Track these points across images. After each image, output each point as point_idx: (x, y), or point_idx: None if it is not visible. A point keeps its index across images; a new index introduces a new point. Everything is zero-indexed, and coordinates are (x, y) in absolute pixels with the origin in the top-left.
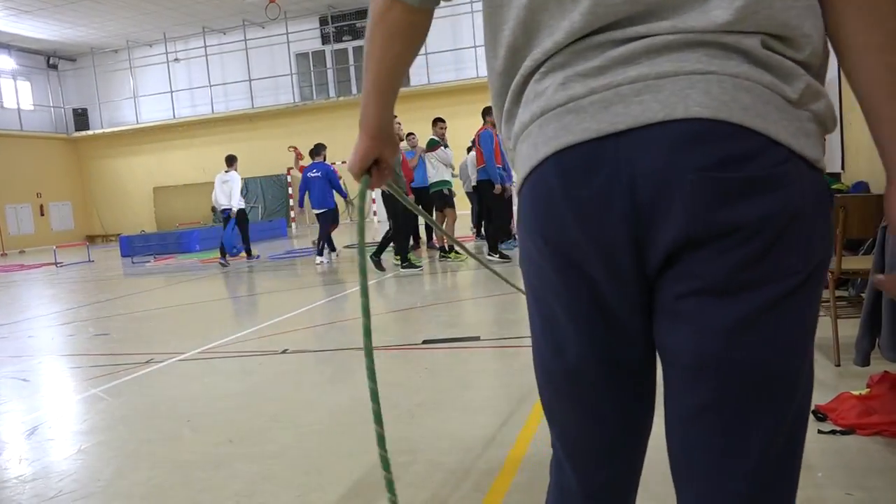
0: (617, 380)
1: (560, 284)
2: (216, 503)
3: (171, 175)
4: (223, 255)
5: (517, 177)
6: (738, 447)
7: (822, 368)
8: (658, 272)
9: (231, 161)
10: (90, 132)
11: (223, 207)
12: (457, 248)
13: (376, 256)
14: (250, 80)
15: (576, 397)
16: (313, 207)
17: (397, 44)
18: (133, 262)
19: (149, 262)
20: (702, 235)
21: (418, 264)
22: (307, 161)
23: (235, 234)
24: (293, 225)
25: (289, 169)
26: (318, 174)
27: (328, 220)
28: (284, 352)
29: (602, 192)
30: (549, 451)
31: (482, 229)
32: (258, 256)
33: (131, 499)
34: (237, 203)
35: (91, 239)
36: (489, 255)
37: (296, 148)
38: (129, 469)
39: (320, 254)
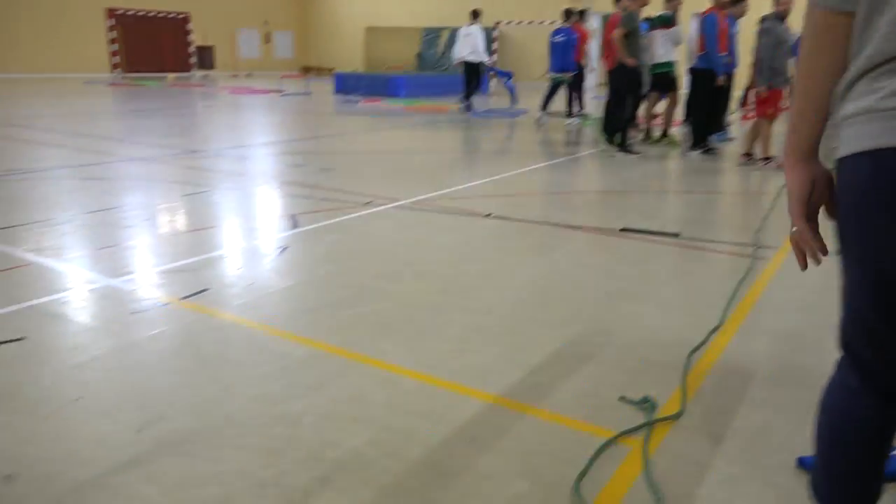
0: None
1: None
2: (436, 342)
3: (384, 16)
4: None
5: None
6: None
7: None
8: None
9: (475, 15)
10: None
11: (466, 60)
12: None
13: (613, 137)
14: None
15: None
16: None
17: (821, 53)
18: (344, 100)
19: (359, 101)
20: None
21: (636, 151)
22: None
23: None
24: (493, 81)
25: (496, 23)
26: (562, 38)
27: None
28: (488, 216)
29: None
30: (741, 361)
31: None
32: (471, 110)
33: (368, 325)
34: (480, 56)
35: (306, 70)
36: (690, 150)
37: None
38: (361, 300)
39: (569, 115)
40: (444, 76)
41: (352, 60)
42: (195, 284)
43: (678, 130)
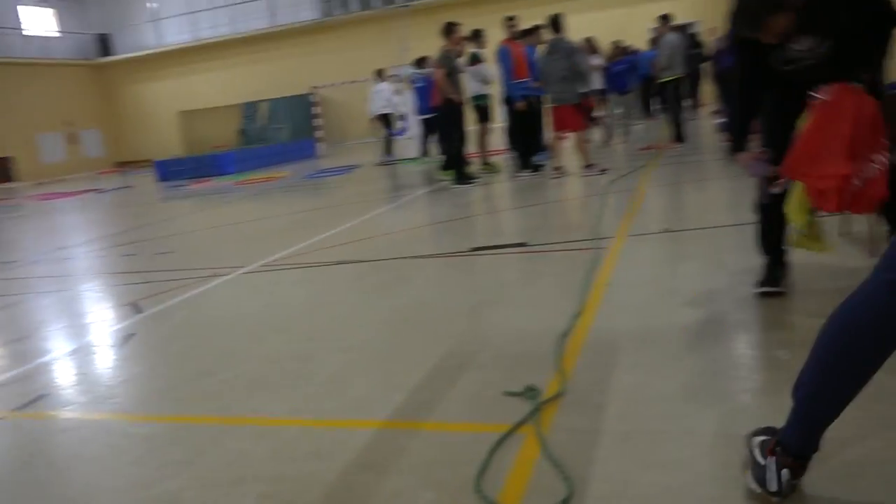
0: None
1: None
2: (311, 387)
3: (196, 99)
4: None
5: None
6: None
7: (854, 258)
8: None
9: (380, 73)
10: (114, 58)
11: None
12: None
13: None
14: None
15: None
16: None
17: None
18: (171, 186)
19: (186, 185)
20: None
21: (473, 179)
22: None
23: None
24: (320, 144)
25: (313, 87)
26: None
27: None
28: (341, 262)
29: None
30: (606, 337)
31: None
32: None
33: (235, 388)
34: (393, 108)
35: (121, 165)
36: (519, 171)
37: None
38: (223, 366)
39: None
40: (271, 147)
41: (168, 147)
42: (28, 393)
43: (502, 157)
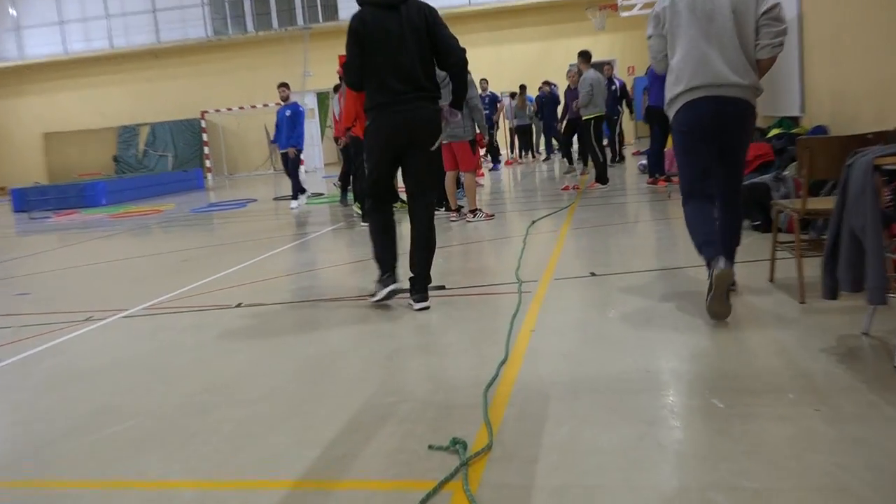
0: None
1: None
2: (209, 444)
3: (65, 120)
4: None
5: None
6: None
7: (787, 305)
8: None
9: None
10: None
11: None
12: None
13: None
14: (155, 11)
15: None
16: (283, 148)
17: None
18: (31, 218)
19: (49, 217)
20: None
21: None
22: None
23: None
24: (209, 176)
25: (203, 112)
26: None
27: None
28: (239, 305)
29: None
30: (535, 386)
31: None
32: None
33: (117, 448)
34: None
35: None
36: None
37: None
38: (103, 423)
39: (295, 197)
40: (152, 176)
41: (29, 173)
42: None
43: None
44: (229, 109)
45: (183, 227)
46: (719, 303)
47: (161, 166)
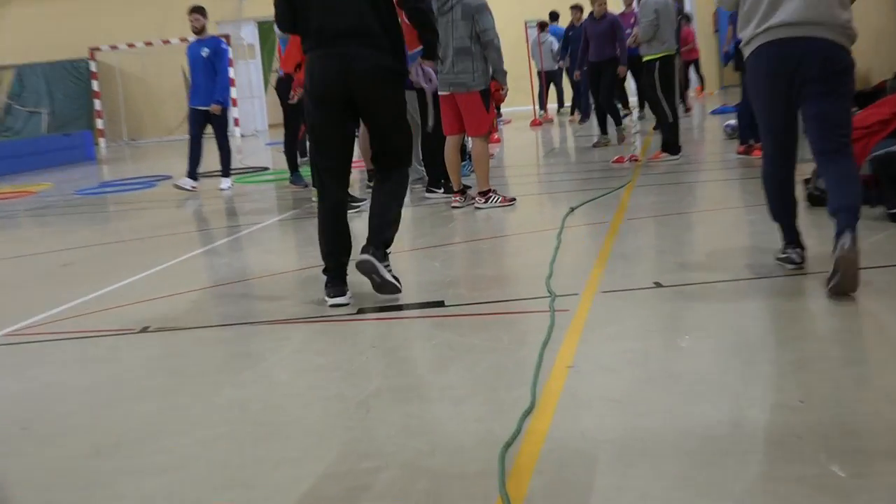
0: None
1: None
2: None
3: None
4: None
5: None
6: None
7: None
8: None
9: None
10: None
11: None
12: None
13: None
14: None
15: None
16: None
17: None
18: None
19: None
20: None
21: (357, 202)
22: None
23: None
24: (102, 142)
25: (92, 51)
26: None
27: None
28: (145, 330)
29: None
30: (573, 446)
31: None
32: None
33: None
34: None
35: None
36: (425, 192)
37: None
38: None
39: (225, 174)
40: (15, 142)
41: None
42: None
43: None
44: (131, 46)
45: (64, 216)
46: (850, 283)
47: (32, 128)
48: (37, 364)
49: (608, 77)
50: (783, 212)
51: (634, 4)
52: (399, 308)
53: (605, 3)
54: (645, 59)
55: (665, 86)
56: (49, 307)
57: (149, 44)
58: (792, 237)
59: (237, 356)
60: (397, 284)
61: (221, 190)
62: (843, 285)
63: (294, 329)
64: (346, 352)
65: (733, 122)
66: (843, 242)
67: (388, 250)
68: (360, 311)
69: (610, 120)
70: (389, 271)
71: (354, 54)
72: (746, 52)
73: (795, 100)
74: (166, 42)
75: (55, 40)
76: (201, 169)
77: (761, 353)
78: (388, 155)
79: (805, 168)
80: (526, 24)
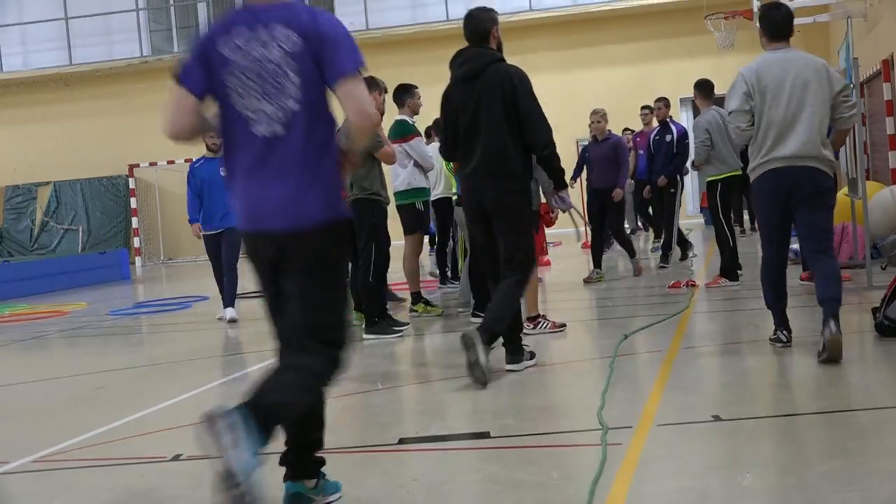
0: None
1: None
2: None
3: None
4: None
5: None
6: None
7: None
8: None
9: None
10: None
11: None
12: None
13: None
14: (66, 20)
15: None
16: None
17: None
18: None
19: None
20: None
21: (398, 328)
22: None
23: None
24: (138, 261)
25: (131, 167)
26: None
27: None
28: (177, 458)
29: None
30: None
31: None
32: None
33: None
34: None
35: None
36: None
37: None
38: None
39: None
40: (50, 261)
41: None
42: None
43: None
44: (171, 163)
45: (98, 337)
46: (837, 356)
47: (68, 246)
48: (63, 492)
49: (615, 205)
50: (776, 303)
51: (654, 122)
52: (443, 439)
53: (605, 121)
54: (707, 180)
55: (725, 207)
56: (79, 432)
57: (188, 160)
58: (782, 321)
59: (271, 487)
60: (486, 372)
61: (220, 319)
62: (831, 359)
63: (332, 459)
64: (387, 485)
65: (796, 247)
66: (831, 328)
67: (493, 345)
68: (402, 441)
69: (614, 251)
70: (487, 357)
71: (484, 185)
72: (753, 176)
73: (791, 212)
74: (170, 162)
75: (95, 156)
76: (242, 289)
77: (831, 492)
78: (513, 265)
79: (873, 296)
80: (577, 142)
